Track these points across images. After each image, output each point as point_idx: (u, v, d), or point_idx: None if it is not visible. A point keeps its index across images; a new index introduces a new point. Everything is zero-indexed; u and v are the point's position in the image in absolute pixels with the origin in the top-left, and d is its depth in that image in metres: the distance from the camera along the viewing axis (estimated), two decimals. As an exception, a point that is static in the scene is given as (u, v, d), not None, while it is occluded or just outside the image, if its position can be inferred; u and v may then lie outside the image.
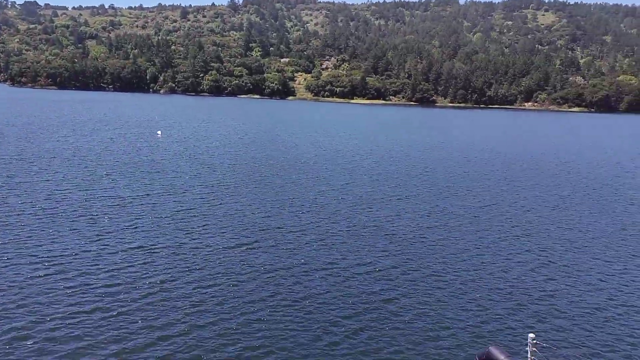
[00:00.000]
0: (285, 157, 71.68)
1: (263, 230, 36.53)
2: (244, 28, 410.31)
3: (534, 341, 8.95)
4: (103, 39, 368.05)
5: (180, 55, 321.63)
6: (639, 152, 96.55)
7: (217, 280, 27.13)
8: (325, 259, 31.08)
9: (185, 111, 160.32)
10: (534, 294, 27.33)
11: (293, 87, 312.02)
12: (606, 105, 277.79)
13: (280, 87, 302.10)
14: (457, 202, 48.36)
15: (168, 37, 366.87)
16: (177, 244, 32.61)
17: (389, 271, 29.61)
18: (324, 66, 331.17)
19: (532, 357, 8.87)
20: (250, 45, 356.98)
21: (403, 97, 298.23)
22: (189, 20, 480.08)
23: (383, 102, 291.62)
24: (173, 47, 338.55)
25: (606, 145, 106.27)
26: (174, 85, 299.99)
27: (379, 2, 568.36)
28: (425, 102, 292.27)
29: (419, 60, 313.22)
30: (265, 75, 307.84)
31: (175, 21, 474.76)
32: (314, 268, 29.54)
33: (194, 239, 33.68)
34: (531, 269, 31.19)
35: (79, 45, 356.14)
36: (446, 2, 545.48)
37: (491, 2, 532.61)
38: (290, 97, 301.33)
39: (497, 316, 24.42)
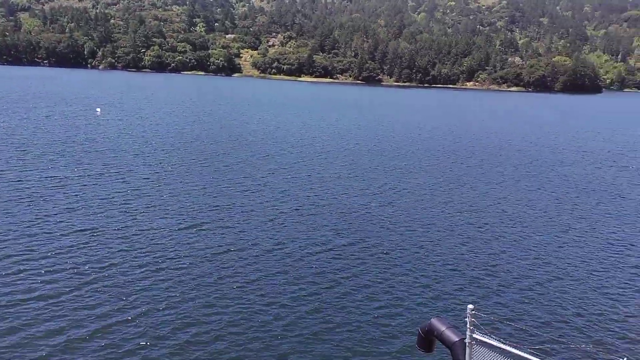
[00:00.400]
0: (233, 136, 70.54)
1: (211, 210, 35.89)
2: (187, 2, 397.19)
3: (473, 312, 9.23)
4: (36, 11, 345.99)
5: (120, 29, 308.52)
6: (573, 131, 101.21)
7: (164, 263, 26.47)
8: (276, 239, 30.91)
9: (126, 88, 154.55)
10: (478, 268, 28.26)
11: (239, 64, 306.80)
12: (542, 85, 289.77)
13: (225, 64, 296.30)
14: (406, 180, 49.19)
15: (106, 11, 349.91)
16: (121, 226, 31.53)
17: (341, 250, 29.81)
18: (270, 43, 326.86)
19: (471, 327, 9.17)
20: (194, 20, 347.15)
21: (350, 76, 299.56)
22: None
23: (330, 80, 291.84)
24: (112, 20, 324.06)
25: (543, 124, 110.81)
26: (113, 60, 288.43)
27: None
28: (372, 81, 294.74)
29: (365, 39, 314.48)
30: (210, 51, 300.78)
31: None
32: (265, 249, 29.33)
33: (138, 221, 32.66)
34: (476, 245, 32.22)
35: (10, 17, 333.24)
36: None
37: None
38: (236, 74, 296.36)
39: (443, 291, 25.12)
